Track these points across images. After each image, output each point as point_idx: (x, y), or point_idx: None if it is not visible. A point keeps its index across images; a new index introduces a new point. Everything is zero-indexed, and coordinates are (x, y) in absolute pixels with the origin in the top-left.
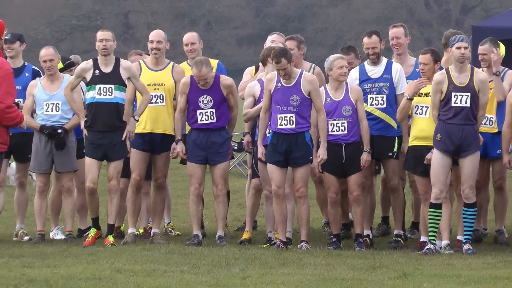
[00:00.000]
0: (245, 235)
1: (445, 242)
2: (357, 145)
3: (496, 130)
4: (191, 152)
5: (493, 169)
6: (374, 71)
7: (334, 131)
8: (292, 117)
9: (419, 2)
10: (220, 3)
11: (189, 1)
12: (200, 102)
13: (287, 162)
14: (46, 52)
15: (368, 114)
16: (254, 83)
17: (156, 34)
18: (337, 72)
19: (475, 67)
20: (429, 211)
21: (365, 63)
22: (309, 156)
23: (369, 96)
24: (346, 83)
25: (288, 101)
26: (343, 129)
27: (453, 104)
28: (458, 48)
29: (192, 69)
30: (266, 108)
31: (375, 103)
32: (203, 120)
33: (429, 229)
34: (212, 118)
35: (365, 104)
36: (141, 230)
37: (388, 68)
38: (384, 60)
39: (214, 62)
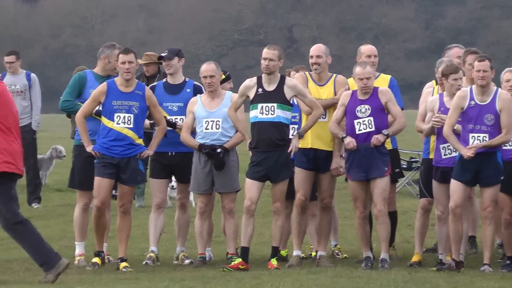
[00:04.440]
0: (415, 258)
1: None
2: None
3: None
4: (351, 170)
5: None
6: None
7: (507, 146)
8: (486, 137)
9: None
10: (388, 16)
11: (355, 14)
12: (357, 112)
13: (474, 181)
14: (207, 67)
15: None
16: (435, 98)
17: (315, 49)
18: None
19: None
20: None
21: None
22: (500, 176)
23: None
24: None
25: (483, 120)
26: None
27: None
28: None
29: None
30: (453, 125)
31: None
32: (361, 130)
33: None
34: (370, 126)
35: None
36: (314, 253)
37: None
38: None
39: (387, 78)
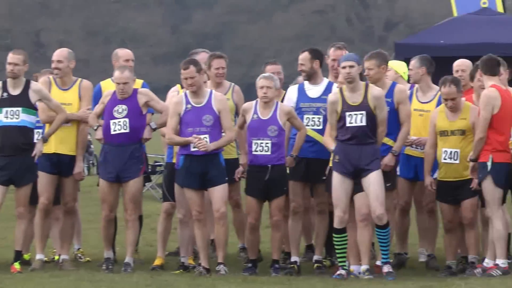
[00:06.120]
0: (157, 261)
1: (364, 267)
2: (282, 168)
3: None
4: (103, 170)
5: (424, 192)
6: (313, 91)
7: (258, 151)
8: (206, 138)
9: (341, 19)
10: (134, 20)
11: (102, 19)
12: (114, 112)
13: (203, 185)
14: None
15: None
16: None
17: (56, 54)
18: (259, 92)
19: (370, 84)
20: (334, 237)
21: (305, 81)
22: (225, 176)
23: (305, 116)
24: (277, 103)
25: (201, 122)
26: (266, 150)
27: (348, 124)
28: (343, 67)
29: (115, 73)
30: (175, 129)
31: (311, 124)
32: (115, 130)
33: (337, 255)
34: (125, 128)
35: None
36: (57, 257)
37: (329, 89)
38: (325, 81)
39: (139, 82)
